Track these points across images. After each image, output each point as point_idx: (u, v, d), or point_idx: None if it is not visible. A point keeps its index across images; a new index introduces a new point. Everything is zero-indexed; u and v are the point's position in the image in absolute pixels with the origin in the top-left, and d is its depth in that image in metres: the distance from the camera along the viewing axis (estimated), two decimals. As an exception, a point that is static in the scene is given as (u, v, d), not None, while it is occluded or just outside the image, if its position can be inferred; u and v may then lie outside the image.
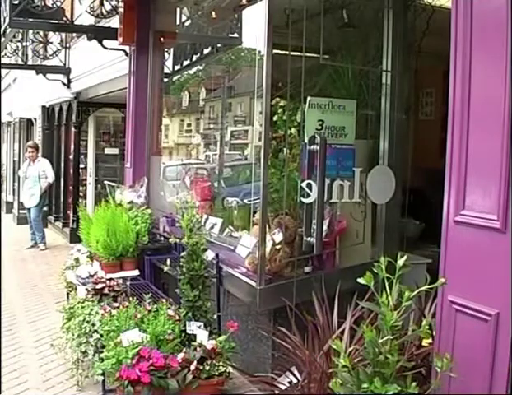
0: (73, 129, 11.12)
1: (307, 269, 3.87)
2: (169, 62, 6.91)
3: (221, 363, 3.55)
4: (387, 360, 1.95)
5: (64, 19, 7.72)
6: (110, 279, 4.70)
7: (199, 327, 3.77)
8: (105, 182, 7.56)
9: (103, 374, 3.66)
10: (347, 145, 3.87)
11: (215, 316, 4.05)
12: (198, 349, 3.57)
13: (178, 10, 6.39)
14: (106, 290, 4.50)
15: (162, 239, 5.50)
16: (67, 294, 5.32)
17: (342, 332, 2.44)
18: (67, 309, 4.52)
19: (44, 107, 12.80)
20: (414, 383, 1.95)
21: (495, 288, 1.97)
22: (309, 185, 3.57)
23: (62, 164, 12.06)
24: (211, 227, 4.57)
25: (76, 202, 10.35)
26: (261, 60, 3.70)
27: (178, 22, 6.49)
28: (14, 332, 5.28)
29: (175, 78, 7.29)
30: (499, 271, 1.94)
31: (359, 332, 2.27)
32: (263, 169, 3.63)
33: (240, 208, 4.92)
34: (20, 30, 9.81)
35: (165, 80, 6.84)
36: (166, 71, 6.82)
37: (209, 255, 4.08)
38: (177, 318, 3.84)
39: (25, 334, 5.26)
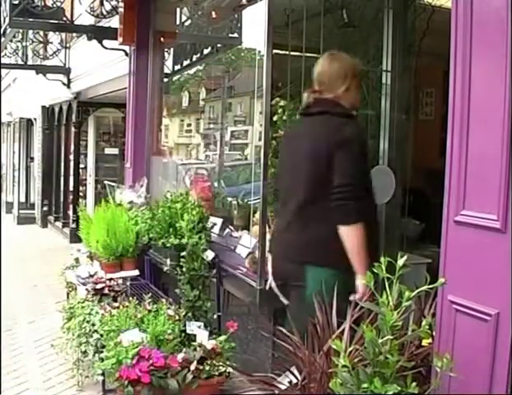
0: (73, 129, 11.14)
1: (307, 269, 3.86)
2: (169, 62, 6.90)
3: (220, 363, 3.55)
4: (387, 360, 1.95)
5: (64, 19, 7.72)
6: (110, 279, 4.71)
7: (199, 327, 3.77)
8: (105, 182, 7.56)
9: (103, 374, 3.67)
10: (347, 145, 3.86)
11: (215, 316, 4.05)
12: (198, 349, 3.57)
13: (178, 10, 6.39)
14: (106, 290, 4.51)
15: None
16: (67, 294, 5.32)
17: (342, 332, 2.44)
18: (67, 308, 4.53)
19: (44, 107, 12.81)
20: (414, 383, 1.95)
21: (495, 288, 1.96)
22: (309, 185, 3.56)
23: (62, 164, 12.07)
24: (211, 227, 4.56)
25: (76, 202, 10.37)
26: (261, 60, 3.70)
27: (178, 22, 6.49)
28: (14, 332, 5.28)
29: (175, 78, 7.29)
30: (499, 271, 1.94)
31: (359, 332, 2.27)
32: (263, 169, 3.63)
33: (240, 208, 4.91)
34: (20, 30, 9.80)
35: (165, 80, 6.84)
36: (166, 71, 6.82)
37: (209, 255, 4.09)
38: (177, 318, 3.84)
39: (25, 334, 5.26)
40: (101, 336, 3.81)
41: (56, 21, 7.65)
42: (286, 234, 2.92)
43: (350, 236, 2.65)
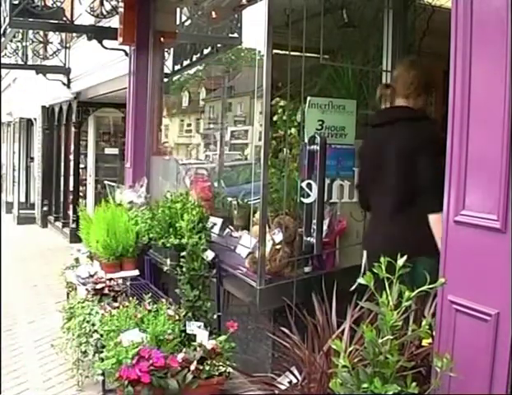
0: (73, 129, 11.14)
1: (307, 269, 3.87)
2: (169, 62, 6.91)
3: (220, 363, 3.55)
4: (387, 360, 1.95)
5: (64, 19, 7.72)
6: (110, 279, 4.71)
7: (199, 327, 3.77)
8: (105, 182, 7.57)
9: (103, 374, 3.67)
10: (347, 145, 3.88)
11: (215, 316, 4.05)
12: (198, 349, 3.57)
13: (178, 10, 6.40)
14: (106, 290, 4.51)
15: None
16: (67, 294, 5.32)
17: (342, 332, 2.44)
18: (67, 309, 4.53)
19: (44, 107, 12.81)
20: (414, 383, 1.95)
21: (495, 288, 1.97)
22: (309, 185, 3.58)
23: (62, 164, 12.07)
24: (211, 227, 4.56)
25: (76, 202, 10.36)
26: (261, 60, 3.70)
27: (178, 22, 6.49)
28: (14, 332, 5.28)
29: (175, 78, 7.29)
30: (499, 271, 1.94)
31: (359, 332, 2.27)
32: (263, 169, 3.63)
33: (240, 208, 4.92)
34: (20, 30, 9.80)
35: (165, 80, 6.84)
36: (166, 71, 6.82)
37: (209, 255, 4.09)
38: (177, 318, 3.84)
39: (25, 334, 5.26)
40: (101, 336, 3.81)
41: (56, 21, 7.65)
42: (387, 232, 3.10)
43: (438, 224, 2.81)
